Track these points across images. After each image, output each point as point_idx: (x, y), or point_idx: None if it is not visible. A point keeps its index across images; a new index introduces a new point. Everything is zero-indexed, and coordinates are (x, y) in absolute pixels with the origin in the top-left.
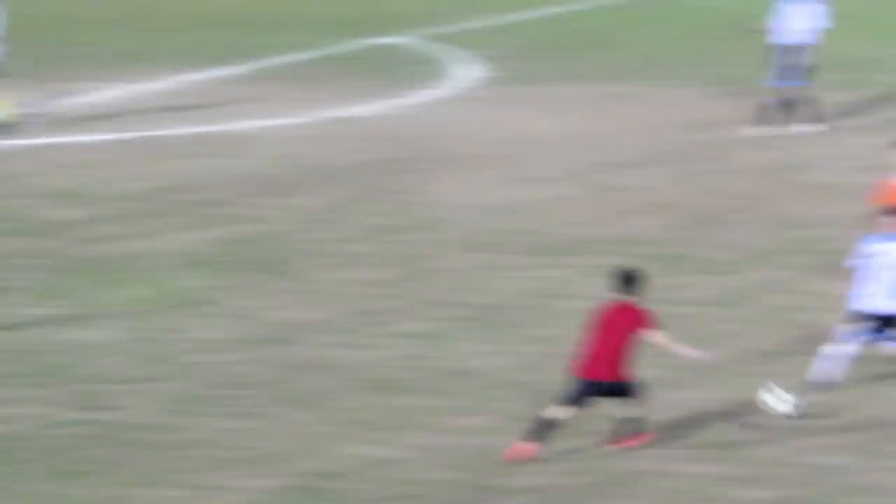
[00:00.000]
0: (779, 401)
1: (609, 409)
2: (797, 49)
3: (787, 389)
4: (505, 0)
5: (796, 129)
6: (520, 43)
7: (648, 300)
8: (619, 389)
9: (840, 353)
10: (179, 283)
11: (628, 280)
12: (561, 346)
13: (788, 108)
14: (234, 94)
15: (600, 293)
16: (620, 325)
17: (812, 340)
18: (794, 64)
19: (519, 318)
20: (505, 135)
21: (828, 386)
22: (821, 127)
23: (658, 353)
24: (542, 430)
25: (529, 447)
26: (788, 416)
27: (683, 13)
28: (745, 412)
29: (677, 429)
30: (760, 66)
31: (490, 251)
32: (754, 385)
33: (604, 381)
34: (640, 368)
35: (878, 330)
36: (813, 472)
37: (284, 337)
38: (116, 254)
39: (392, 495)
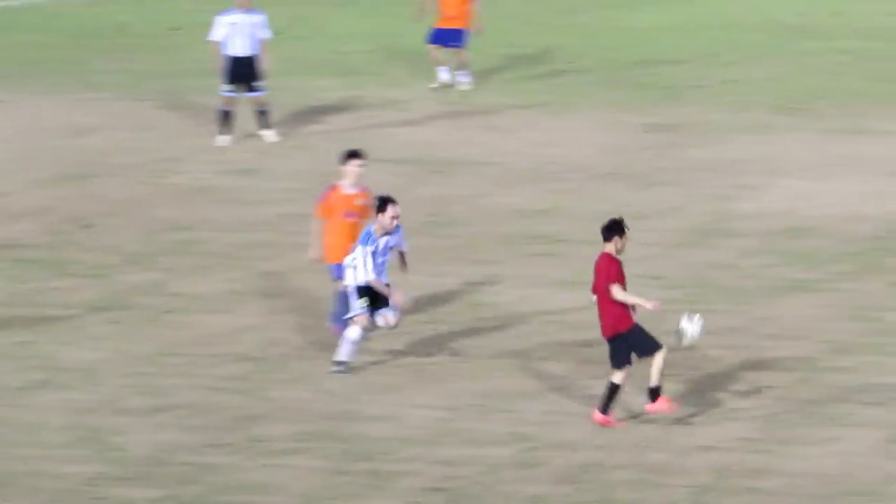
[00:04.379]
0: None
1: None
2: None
3: None
4: None
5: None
6: None
7: (31, 304)
8: None
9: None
10: None
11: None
12: None
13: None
14: None
15: None
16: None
17: (198, 341)
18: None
19: None
20: None
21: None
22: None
23: None
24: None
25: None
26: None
27: (53, 20)
28: None
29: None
30: (139, 72)
31: None
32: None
33: None
34: None
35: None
36: (192, 470)
37: None
38: None
39: None
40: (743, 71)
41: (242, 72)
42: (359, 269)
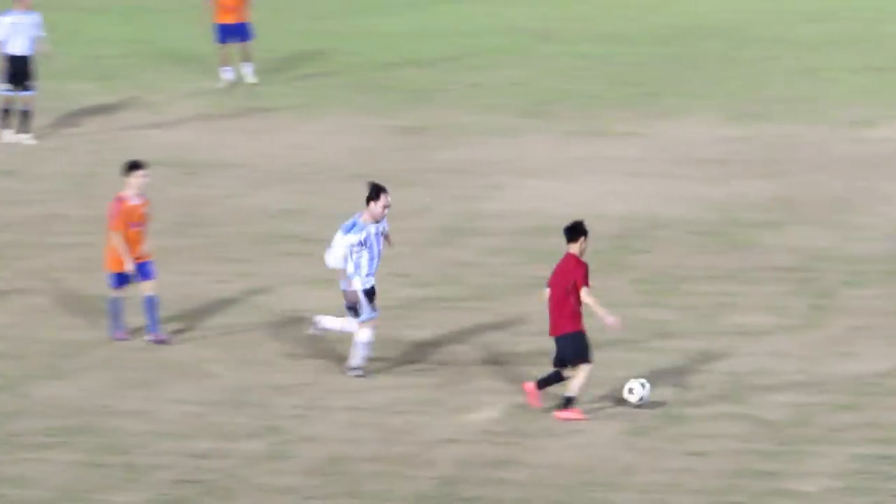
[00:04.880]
0: None
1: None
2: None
3: None
4: None
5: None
6: None
7: None
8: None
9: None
10: None
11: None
12: None
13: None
14: None
15: None
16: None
17: None
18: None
19: None
20: None
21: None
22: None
23: None
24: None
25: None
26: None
27: None
28: None
29: None
30: None
31: None
32: None
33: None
34: None
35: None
36: None
37: None
38: None
39: None
40: (487, 75)
41: (20, 70)
42: (334, 249)
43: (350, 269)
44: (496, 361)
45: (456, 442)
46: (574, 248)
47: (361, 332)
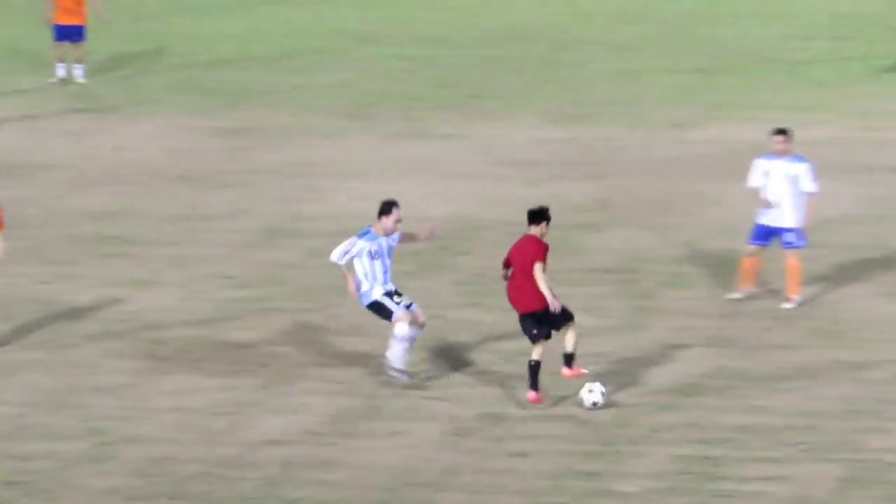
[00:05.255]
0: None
1: None
2: None
3: None
4: None
5: None
6: None
7: None
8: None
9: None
10: None
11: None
12: None
13: None
14: None
15: None
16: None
17: None
18: None
19: None
20: None
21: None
22: None
23: None
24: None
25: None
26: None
27: None
28: None
29: None
30: None
31: None
32: None
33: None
34: None
35: None
36: None
37: None
38: None
39: None
40: (308, 76)
41: None
42: (337, 250)
43: (366, 283)
44: (319, 363)
45: (279, 443)
46: (534, 231)
47: (396, 327)
